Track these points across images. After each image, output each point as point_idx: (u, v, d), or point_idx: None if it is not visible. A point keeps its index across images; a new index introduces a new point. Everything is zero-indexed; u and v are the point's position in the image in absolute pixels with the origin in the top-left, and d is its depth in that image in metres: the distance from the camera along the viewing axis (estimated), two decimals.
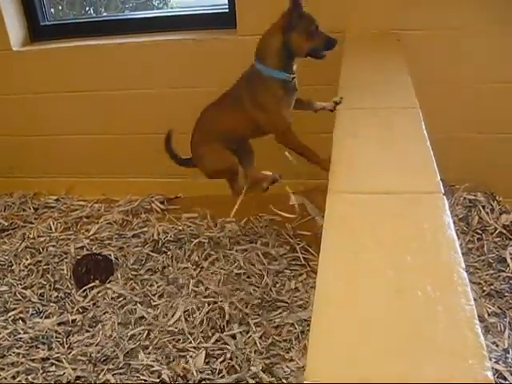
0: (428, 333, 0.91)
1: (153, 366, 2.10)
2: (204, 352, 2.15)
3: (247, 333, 2.23)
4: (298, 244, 2.71)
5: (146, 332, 2.28)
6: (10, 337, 2.33)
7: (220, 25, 2.98)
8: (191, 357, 2.13)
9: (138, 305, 2.43)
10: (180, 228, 2.91)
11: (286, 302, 2.36)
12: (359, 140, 1.62)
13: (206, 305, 2.38)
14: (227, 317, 2.30)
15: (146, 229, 2.95)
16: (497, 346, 2.06)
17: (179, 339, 2.23)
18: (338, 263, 1.14)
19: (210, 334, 2.24)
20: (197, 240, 2.79)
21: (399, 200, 1.30)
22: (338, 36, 2.62)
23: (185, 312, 2.36)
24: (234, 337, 2.22)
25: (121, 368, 2.11)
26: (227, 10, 2.95)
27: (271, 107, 2.14)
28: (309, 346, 0.94)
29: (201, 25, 3.04)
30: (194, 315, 2.33)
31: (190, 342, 2.20)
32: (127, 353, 2.19)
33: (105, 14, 4.04)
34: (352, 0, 2.62)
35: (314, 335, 0.96)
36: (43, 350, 2.24)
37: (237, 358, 2.11)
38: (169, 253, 2.74)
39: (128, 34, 3.10)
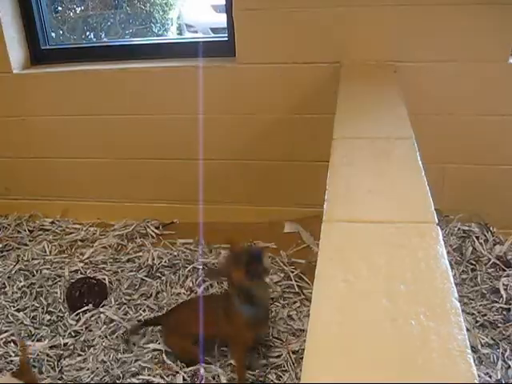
0: (421, 362, 0.91)
1: None
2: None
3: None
4: (293, 272, 2.70)
5: (135, 358, 2.27)
6: (0, 359, 2.31)
7: (220, 53, 3.01)
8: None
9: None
10: (175, 253, 2.90)
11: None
12: (355, 169, 1.64)
13: None
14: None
15: (140, 253, 2.94)
16: (490, 376, 2.06)
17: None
18: (332, 292, 1.14)
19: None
20: (191, 266, 2.78)
21: (394, 229, 1.30)
22: (335, 66, 2.70)
23: None
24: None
25: None
26: (227, 39, 2.99)
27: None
28: (302, 376, 0.94)
29: (201, 53, 3.07)
30: None
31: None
32: (117, 379, 2.17)
33: (105, 40, 4.10)
34: (349, 30, 2.66)
35: (308, 365, 0.96)
36: (34, 372, 2.22)
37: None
38: (163, 278, 2.72)
39: (128, 59, 3.12)
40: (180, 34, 4.53)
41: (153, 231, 3.14)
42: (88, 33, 4.39)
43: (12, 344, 2.40)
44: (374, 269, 1.17)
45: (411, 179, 1.54)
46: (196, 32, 4.37)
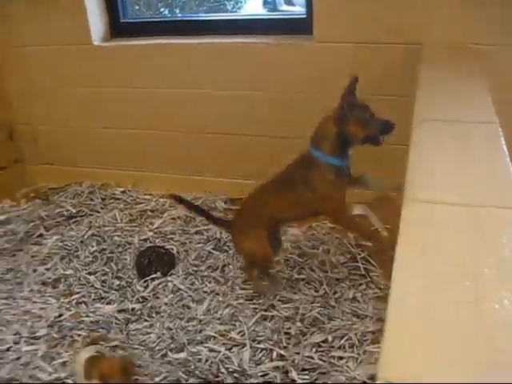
0: (504, 346, 0.89)
1: (207, 361, 2.13)
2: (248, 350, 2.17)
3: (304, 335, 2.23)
4: (359, 254, 2.69)
5: (200, 328, 2.32)
6: (72, 318, 2.40)
7: (296, 31, 2.98)
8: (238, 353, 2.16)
9: (195, 300, 2.47)
10: None
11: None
12: (436, 151, 1.60)
13: (259, 306, 2.41)
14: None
15: (209, 227, 2.98)
16: None
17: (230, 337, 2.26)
18: (412, 272, 1.13)
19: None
20: None
21: (476, 213, 1.27)
22: (416, 48, 2.63)
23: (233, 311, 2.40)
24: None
25: (176, 359, 2.15)
26: (304, 16, 2.95)
27: (325, 191, 2.22)
28: (381, 353, 0.93)
29: (276, 29, 3.06)
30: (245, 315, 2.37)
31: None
32: (182, 345, 2.22)
33: (180, 15, 4.12)
34: (432, 12, 2.58)
35: (387, 342, 0.95)
36: (103, 334, 2.29)
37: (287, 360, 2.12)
38: (230, 252, 2.76)
39: (203, 34, 3.15)
40: (272, 6, 4.41)
41: (221, 205, 3.18)
42: (162, 9, 4.44)
43: (83, 305, 2.49)
44: (455, 251, 1.15)
45: (495, 163, 1.49)
46: (294, 5, 4.27)
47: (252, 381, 2.03)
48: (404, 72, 2.63)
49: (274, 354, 2.15)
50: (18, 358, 2.19)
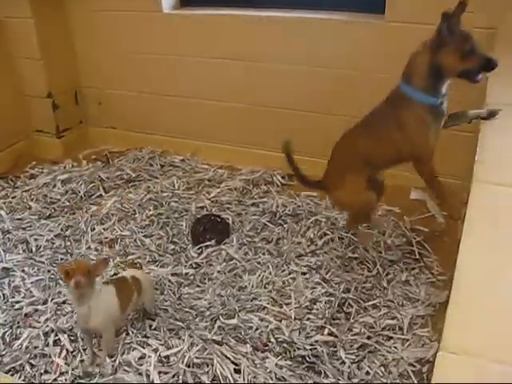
0: None
1: (257, 329, 2.15)
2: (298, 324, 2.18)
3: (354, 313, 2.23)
4: (415, 238, 2.65)
5: (252, 297, 2.33)
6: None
7: (368, 9, 2.94)
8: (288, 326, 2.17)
9: (248, 270, 2.49)
10: (299, 204, 2.93)
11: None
12: (507, 134, 1.57)
13: (311, 282, 2.41)
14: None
15: (265, 199, 3.00)
16: None
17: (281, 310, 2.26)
18: (479, 251, 1.11)
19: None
20: (314, 218, 2.80)
21: None
22: (490, 32, 2.55)
23: (284, 284, 2.41)
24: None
25: (227, 325, 2.18)
26: None
27: (415, 133, 2.05)
28: (446, 322, 0.93)
29: (348, 6, 3.02)
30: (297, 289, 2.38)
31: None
32: (233, 312, 2.24)
33: None
34: None
35: (452, 312, 0.95)
36: (156, 294, 2.33)
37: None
38: (285, 226, 2.77)
39: (273, 7, 3.15)
40: None
41: (278, 180, 3.18)
42: None
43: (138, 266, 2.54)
44: None
45: None
46: None
47: (300, 353, 2.03)
48: None
49: (325, 330, 2.14)
50: (73, 311, 2.26)
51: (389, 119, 2.08)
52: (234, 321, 2.18)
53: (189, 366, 1.94)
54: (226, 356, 1.98)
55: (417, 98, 2.00)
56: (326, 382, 1.93)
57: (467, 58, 1.89)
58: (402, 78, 2.05)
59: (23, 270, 2.51)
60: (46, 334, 2.15)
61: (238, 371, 1.94)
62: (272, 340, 2.09)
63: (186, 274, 2.49)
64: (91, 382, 1.94)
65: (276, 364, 1.98)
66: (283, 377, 1.93)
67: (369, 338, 2.13)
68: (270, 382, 1.91)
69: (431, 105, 2.00)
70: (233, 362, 1.97)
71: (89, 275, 1.86)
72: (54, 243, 2.71)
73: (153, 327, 2.15)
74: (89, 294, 1.89)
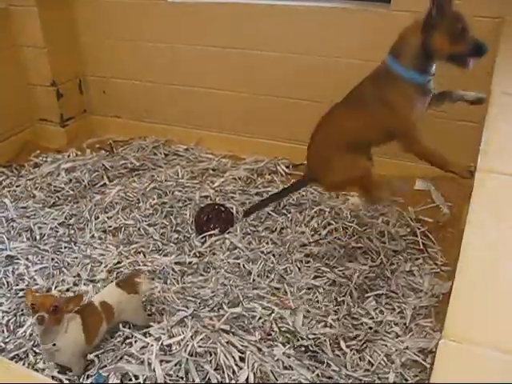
0: None
1: (260, 318, 2.15)
2: (302, 314, 2.17)
3: (357, 303, 2.23)
4: (419, 229, 2.65)
5: (253, 286, 2.33)
6: (130, 266, 2.46)
7: None
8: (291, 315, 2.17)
9: (251, 259, 2.49)
10: (303, 193, 2.92)
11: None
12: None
13: (314, 271, 2.41)
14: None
15: (269, 189, 3.00)
16: None
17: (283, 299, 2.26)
18: (482, 238, 1.11)
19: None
20: (318, 207, 2.80)
21: None
22: (497, 22, 2.53)
23: (287, 273, 2.41)
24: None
25: (231, 314, 2.17)
26: None
27: (400, 110, 1.97)
28: (448, 311, 0.93)
29: None
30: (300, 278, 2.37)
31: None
32: (237, 300, 2.24)
33: None
34: None
35: (454, 301, 0.94)
36: (159, 283, 2.34)
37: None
38: (289, 215, 2.77)
39: None
40: None
41: (282, 169, 3.18)
42: None
43: (141, 255, 2.54)
44: None
45: None
46: None
47: (303, 342, 2.04)
48: None
49: (328, 320, 2.15)
50: None
51: (374, 97, 2.00)
52: (238, 309, 2.18)
53: (192, 355, 1.93)
54: (232, 344, 1.98)
55: (405, 76, 1.93)
56: (329, 371, 1.93)
57: (457, 41, 1.83)
58: (389, 53, 1.99)
59: (27, 258, 2.51)
60: None
61: (242, 359, 1.93)
62: (275, 329, 2.09)
63: (190, 262, 2.49)
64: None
65: (284, 353, 1.97)
66: (290, 366, 1.93)
67: (372, 328, 2.12)
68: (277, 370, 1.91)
69: (419, 83, 1.94)
70: (239, 351, 1.96)
71: (55, 312, 1.76)
72: (57, 231, 2.71)
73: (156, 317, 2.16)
74: (54, 331, 1.80)
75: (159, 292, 2.27)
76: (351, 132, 2.10)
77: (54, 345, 1.81)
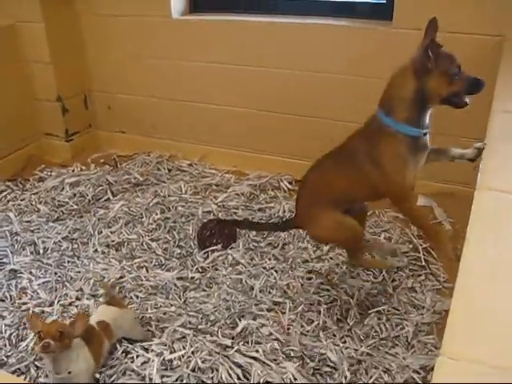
0: None
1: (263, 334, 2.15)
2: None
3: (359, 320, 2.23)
4: (421, 245, 2.65)
5: (255, 302, 2.33)
6: (132, 281, 2.47)
7: (375, 16, 2.96)
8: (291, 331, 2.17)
9: (253, 275, 2.49)
10: None
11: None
12: None
13: (316, 287, 2.41)
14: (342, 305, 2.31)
15: (272, 204, 3.01)
16: None
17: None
18: (481, 257, 1.11)
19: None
20: None
21: None
22: (498, 39, 2.55)
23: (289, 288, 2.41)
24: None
25: (231, 328, 2.18)
26: (385, 1, 2.93)
27: (392, 168, 1.86)
28: (446, 328, 0.93)
29: (355, 13, 3.05)
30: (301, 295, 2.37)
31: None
32: (237, 317, 2.24)
33: None
34: None
35: (453, 318, 0.96)
36: (161, 298, 2.35)
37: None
38: (292, 231, 2.77)
39: (280, 13, 3.18)
40: None
41: (285, 185, 3.19)
42: None
43: (144, 270, 2.55)
44: None
45: None
46: None
47: (305, 359, 2.04)
48: (485, 64, 2.56)
49: (329, 336, 2.15)
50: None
51: (364, 154, 1.90)
52: (239, 325, 2.18)
53: (193, 371, 1.94)
54: (233, 361, 1.98)
55: (399, 130, 1.83)
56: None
57: (454, 81, 1.78)
58: (380, 107, 1.89)
59: (30, 272, 2.53)
60: None
61: (245, 375, 1.94)
62: (277, 346, 2.09)
63: (192, 278, 2.49)
64: None
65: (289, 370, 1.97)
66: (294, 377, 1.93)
67: (373, 344, 2.12)
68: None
69: (414, 137, 1.85)
70: (240, 367, 1.96)
71: (61, 338, 1.72)
72: (61, 246, 2.73)
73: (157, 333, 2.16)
74: (66, 358, 1.77)
75: (161, 307, 2.28)
76: (339, 189, 2.04)
77: (70, 372, 1.79)
